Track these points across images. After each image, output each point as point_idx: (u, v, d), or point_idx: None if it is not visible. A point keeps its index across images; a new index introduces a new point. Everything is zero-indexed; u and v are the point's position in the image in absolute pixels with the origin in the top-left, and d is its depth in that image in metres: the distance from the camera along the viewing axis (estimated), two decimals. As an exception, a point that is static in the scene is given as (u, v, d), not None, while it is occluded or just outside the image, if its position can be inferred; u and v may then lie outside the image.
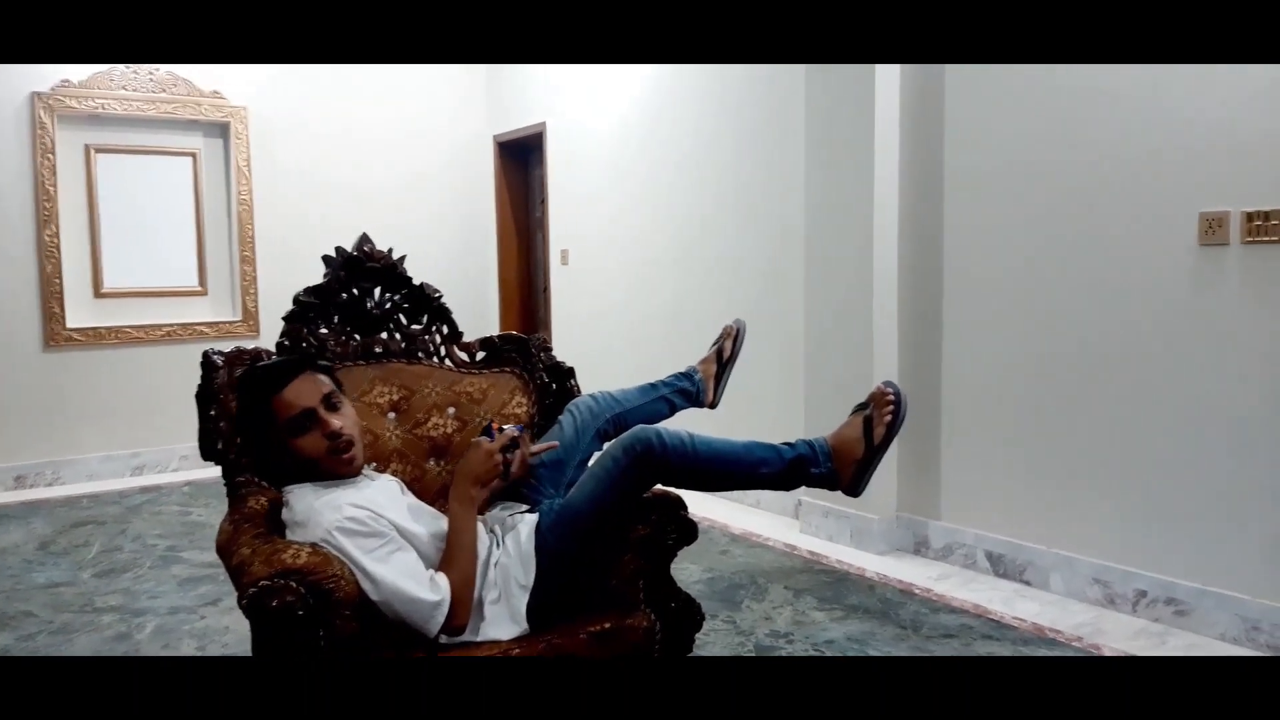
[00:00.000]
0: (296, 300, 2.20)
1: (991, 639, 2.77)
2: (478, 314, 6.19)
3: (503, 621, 1.80)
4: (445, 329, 2.38)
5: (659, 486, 1.92)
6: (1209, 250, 2.70)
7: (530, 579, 1.83)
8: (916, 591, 3.17)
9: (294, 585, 1.52)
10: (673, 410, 2.32)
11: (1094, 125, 2.96)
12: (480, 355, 2.43)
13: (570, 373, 2.40)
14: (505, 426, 1.94)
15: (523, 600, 1.82)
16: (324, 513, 1.70)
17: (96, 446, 5.14)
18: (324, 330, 2.22)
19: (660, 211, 4.91)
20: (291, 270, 4.73)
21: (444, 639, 1.72)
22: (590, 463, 2.02)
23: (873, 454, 1.89)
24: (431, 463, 2.22)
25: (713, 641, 2.76)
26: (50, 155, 4.90)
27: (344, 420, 1.83)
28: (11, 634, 2.93)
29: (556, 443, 2.12)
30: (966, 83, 3.31)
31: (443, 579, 1.73)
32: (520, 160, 6.32)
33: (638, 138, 5.03)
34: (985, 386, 3.34)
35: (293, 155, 5.61)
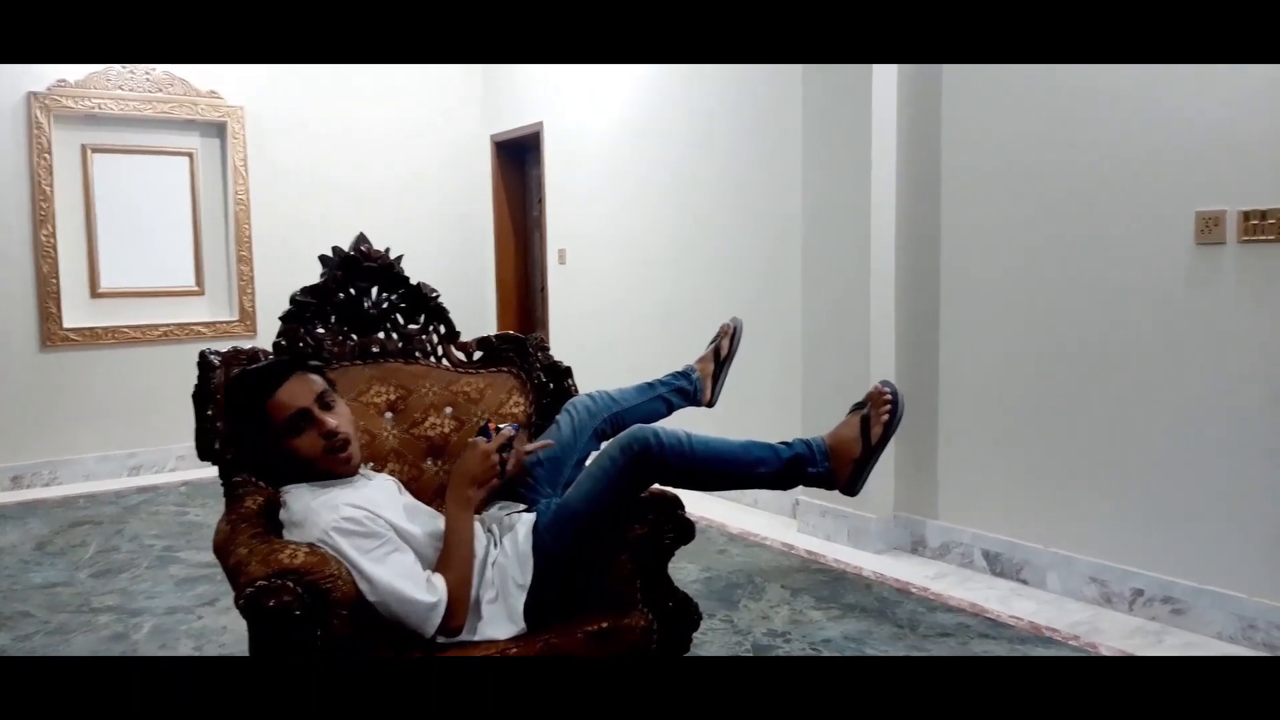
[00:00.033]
0: (293, 300, 2.20)
1: (988, 638, 2.78)
2: (475, 314, 6.18)
3: (500, 621, 1.81)
4: (442, 328, 2.38)
5: (656, 486, 1.92)
6: (1205, 249, 2.71)
7: (528, 578, 1.83)
8: (913, 590, 3.17)
9: (291, 585, 1.52)
10: (670, 409, 2.32)
11: (1091, 125, 2.96)
12: (477, 355, 2.43)
13: (567, 372, 2.40)
14: (502, 426, 1.94)
15: (520, 600, 1.82)
16: (321, 513, 1.70)
17: (93, 446, 5.13)
18: (321, 330, 2.22)
19: (657, 211, 4.90)
20: (288, 270, 4.70)
21: (441, 640, 1.72)
22: (588, 462, 2.02)
23: (870, 453, 1.89)
24: (429, 462, 2.22)
25: (710, 641, 2.76)
26: (46, 155, 4.89)
27: (339, 419, 1.83)
28: (8, 634, 2.93)
29: (552, 441, 2.12)
30: (964, 82, 3.32)
31: (439, 580, 1.73)
32: (517, 160, 6.32)
33: (635, 137, 5.03)
34: (982, 386, 3.34)
35: (289, 155, 5.60)
